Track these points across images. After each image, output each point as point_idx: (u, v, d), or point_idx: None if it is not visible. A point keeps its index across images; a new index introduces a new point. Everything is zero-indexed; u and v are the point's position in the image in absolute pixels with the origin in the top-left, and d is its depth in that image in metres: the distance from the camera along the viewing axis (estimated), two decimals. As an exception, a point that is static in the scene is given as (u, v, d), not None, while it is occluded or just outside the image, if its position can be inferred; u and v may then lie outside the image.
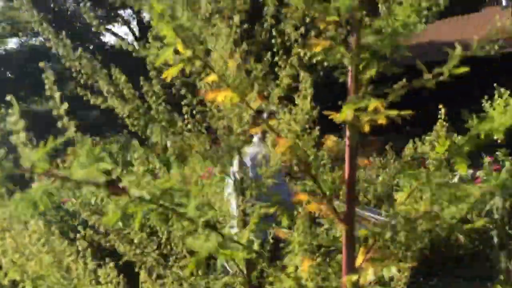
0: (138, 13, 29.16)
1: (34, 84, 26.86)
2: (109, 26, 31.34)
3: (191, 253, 2.35)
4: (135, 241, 2.52)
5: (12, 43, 32.91)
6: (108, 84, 2.82)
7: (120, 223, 3.32)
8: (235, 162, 2.78)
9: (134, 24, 31.64)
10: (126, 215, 1.18)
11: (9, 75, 29.61)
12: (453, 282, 5.45)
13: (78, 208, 4.14)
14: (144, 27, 26.46)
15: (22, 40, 32.68)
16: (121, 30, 52.16)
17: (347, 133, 1.48)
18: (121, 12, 31.38)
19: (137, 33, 30.49)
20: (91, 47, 28.59)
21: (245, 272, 2.47)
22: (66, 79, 24.21)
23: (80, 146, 1.27)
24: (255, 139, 3.88)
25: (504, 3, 17.16)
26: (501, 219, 5.66)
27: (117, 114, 2.89)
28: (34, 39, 31.93)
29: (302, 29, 2.24)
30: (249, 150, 3.01)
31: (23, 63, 28.95)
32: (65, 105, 1.57)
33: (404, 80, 1.54)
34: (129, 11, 30.65)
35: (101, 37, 31.19)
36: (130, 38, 33.40)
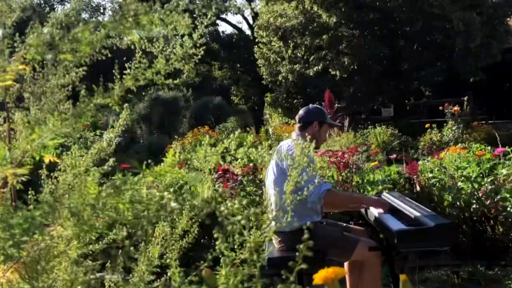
0: (250, 1, 29.88)
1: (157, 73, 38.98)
2: (224, 15, 31.16)
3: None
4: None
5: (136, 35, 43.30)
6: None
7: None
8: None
9: (247, 13, 30.77)
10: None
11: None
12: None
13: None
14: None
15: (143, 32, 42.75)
16: (235, 18, 48.28)
17: None
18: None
19: (250, 21, 29.76)
20: (207, 36, 30.88)
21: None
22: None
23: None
24: (293, 133, 3.82)
25: None
26: None
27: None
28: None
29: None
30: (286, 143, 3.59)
31: (145, 52, 39.79)
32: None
33: None
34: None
35: (217, 26, 31.70)
36: (245, 26, 35.34)
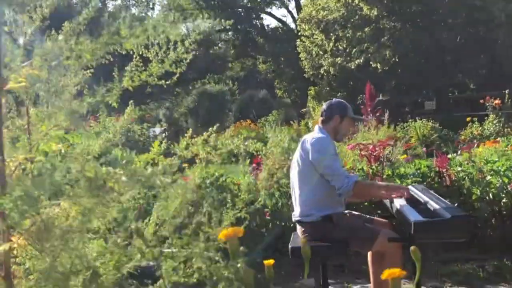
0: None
1: (203, 67, 30.64)
2: (268, 9, 32.23)
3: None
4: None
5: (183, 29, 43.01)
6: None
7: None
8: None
9: (292, 6, 31.72)
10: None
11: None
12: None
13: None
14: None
15: (189, 26, 43.49)
16: (280, 12, 48.73)
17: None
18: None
19: (295, 15, 29.60)
20: (252, 30, 31.70)
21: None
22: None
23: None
24: (316, 126, 3.84)
25: None
26: None
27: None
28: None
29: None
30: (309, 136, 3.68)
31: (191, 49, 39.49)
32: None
33: None
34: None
35: (262, 20, 32.19)
36: (289, 20, 34.14)
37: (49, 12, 1.17)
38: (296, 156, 3.70)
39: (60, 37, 1.07)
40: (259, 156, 6.04)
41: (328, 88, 19.04)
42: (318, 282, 3.70)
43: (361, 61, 16.09)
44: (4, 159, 1.13)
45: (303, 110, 22.94)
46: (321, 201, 3.58)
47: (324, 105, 3.84)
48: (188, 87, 32.04)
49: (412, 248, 1.46)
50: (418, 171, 5.15)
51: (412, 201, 3.61)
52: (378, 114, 10.92)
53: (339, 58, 16.98)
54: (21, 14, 1.12)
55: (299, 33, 19.73)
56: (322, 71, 18.10)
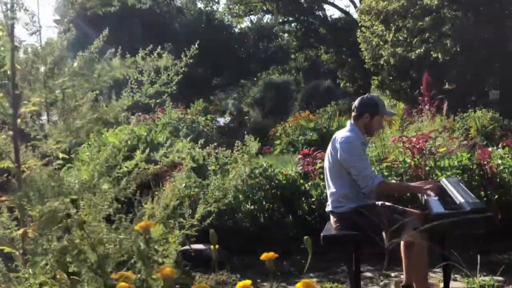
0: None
1: (264, 59, 30.85)
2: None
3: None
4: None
5: (247, 23, 33.88)
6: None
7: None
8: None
9: None
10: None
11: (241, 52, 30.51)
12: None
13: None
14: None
15: (253, 19, 33.74)
16: (343, 2, 45.89)
17: None
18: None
19: (358, 5, 27.70)
20: (315, 21, 31.38)
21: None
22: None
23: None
24: (348, 122, 3.96)
25: None
26: None
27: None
28: (262, 17, 33.56)
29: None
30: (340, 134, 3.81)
31: (254, 41, 31.20)
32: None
33: None
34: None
35: (325, 11, 31.86)
36: (352, 10, 33.54)
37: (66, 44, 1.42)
38: (328, 152, 3.89)
39: (75, 63, 1.32)
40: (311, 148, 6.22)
41: (391, 78, 18.81)
42: (350, 268, 3.88)
43: (422, 51, 15.78)
44: (20, 165, 1.40)
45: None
46: (351, 194, 3.76)
47: (356, 101, 3.97)
48: (253, 78, 32.48)
49: (305, 238, 1.65)
50: (460, 163, 5.15)
51: (441, 194, 3.70)
52: (435, 104, 10.79)
53: (399, 48, 16.73)
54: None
55: (360, 24, 19.54)
56: (382, 62, 17.90)
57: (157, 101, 1.90)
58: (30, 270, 1.24)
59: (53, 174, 1.36)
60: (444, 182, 4.03)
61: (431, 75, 11.56)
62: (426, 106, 10.69)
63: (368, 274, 4.67)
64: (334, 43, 29.55)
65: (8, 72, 1.34)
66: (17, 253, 1.34)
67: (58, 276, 1.21)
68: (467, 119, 11.48)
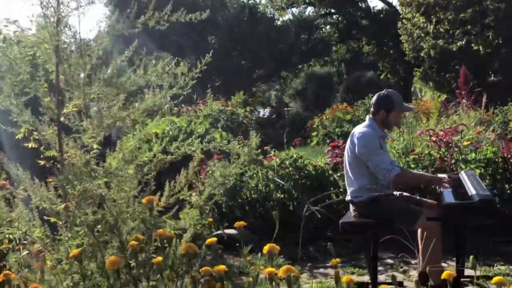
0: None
1: (305, 51, 31.06)
2: None
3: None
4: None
5: (289, 15, 33.58)
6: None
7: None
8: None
9: None
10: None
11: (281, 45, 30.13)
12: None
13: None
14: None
15: (295, 12, 33.60)
16: None
17: None
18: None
19: None
20: (357, 13, 31.42)
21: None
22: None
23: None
24: (367, 116, 4.12)
25: None
26: None
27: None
28: (304, 9, 33.20)
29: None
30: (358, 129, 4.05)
31: (295, 33, 31.02)
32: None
33: None
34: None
35: (367, 2, 31.37)
36: (395, 1, 30.84)
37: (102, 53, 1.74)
38: (347, 146, 4.13)
39: (109, 70, 1.64)
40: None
41: (433, 69, 18.66)
42: (368, 254, 4.13)
43: (463, 43, 15.60)
44: (63, 153, 1.73)
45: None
46: (369, 185, 3.98)
47: (374, 98, 4.17)
48: (294, 70, 32.59)
49: (274, 212, 1.91)
50: (484, 157, 5.28)
51: (456, 186, 3.89)
52: (473, 97, 10.77)
53: (440, 40, 16.59)
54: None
55: (401, 16, 19.40)
56: (422, 54, 17.78)
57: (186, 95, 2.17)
58: (69, 234, 1.58)
59: (87, 161, 1.69)
60: (462, 174, 4.19)
61: (473, 67, 11.49)
62: (463, 99, 10.71)
63: (389, 260, 4.89)
64: (376, 35, 29.30)
65: (54, 81, 1.67)
66: (60, 222, 1.67)
67: (90, 240, 1.53)
68: (506, 112, 11.37)
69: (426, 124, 9.02)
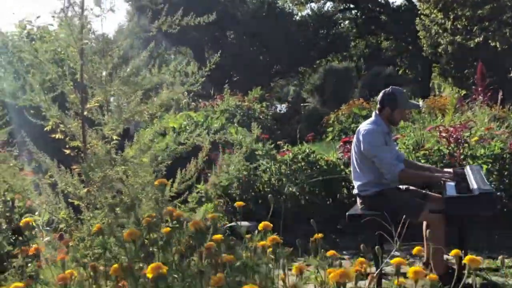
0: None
1: (323, 46, 31.21)
2: None
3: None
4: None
5: (308, 10, 33.70)
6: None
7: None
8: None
9: None
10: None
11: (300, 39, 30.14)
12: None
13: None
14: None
15: (314, 7, 33.56)
16: None
17: None
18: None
19: None
20: (376, 8, 31.39)
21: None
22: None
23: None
24: (373, 113, 4.27)
25: None
26: None
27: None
28: (323, 5, 33.24)
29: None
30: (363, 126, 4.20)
31: (314, 28, 31.36)
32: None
33: None
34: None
35: None
36: None
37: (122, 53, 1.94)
38: (354, 142, 4.29)
39: (128, 69, 1.85)
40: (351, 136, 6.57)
41: (452, 65, 18.62)
42: (374, 245, 4.26)
43: (481, 39, 15.56)
44: (86, 143, 1.94)
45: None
46: (375, 180, 4.14)
47: (380, 94, 4.32)
48: (312, 65, 32.65)
49: (269, 196, 2.09)
50: (492, 152, 5.40)
51: (460, 180, 4.03)
52: (489, 93, 10.82)
53: (458, 37, 16.56)
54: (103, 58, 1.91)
55: (419, 12, 19.36)
56: (440, 50, 17.75)
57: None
58: (91, 215, 1.79)
59: (107, 150, 1.90)
60: (467, 169, 4.33)
61: (490, 64, 11.48)
62: (479, 96, 10.80)
63: (397, 253, 5.02)
64: (395, 31, 29.22)
65: (78, 80, 1.88)
66: (83, 205, 1.88)
67: (109, 220, 1.74)
68: (522, 108, 11.35)
69: (442, 120, 9.14)
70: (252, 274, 1.68)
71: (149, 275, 1.41)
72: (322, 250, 2.05)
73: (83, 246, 1.71)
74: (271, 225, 1.97)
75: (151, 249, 1.62)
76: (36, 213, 2.67)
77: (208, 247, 1.67)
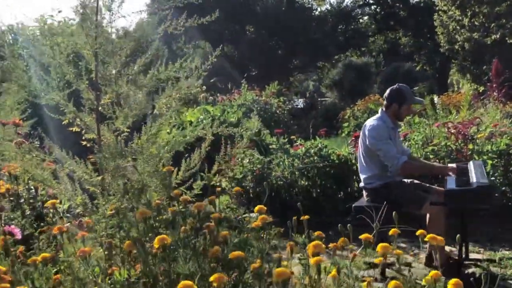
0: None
1: (341, 41, 31.69)
2: None
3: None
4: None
5: (327, 5, 34.20)
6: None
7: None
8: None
9: None
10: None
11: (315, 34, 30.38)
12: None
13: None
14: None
15: (333, 2, 33.87)
16: None
17: None
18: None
19: None
20: (396, 3, 31.29)
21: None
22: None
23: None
24: (380, 109, 4.48)
25: None
26: None
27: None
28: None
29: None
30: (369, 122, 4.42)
31: (332, 23, 31.87)
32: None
33: None
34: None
35: None
36: None
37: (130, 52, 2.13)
38: (361, 137, 4.45)
39: (136, 68, 2.04)
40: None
41: (469, 62, 18.55)
42: (379, 237, 4.43)
43: (498, 36, 15.48)
44: (100, 136, 2.14)
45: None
46: (380, 173, 4.31)
47: (387, 91, 4.48)
48: (331, 60, 32.66)
49: (264, 183, 2.26)
50: (497, 148, 5.49)
51: (462, 174, 4.16)
52: (504, 91, 10.82)
53: (475, 34, 16.50)
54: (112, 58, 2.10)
55: (437, 8, 19.30)
56: (457, 47, 17.70)
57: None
58: (105, 200, 1.99)
59: (118, 142, 2.10)
60: (470, 164, 4.46)
61: (507, 61, 11.46)
62: (494, 92, 10.80)
63: (403, 245, 5.17)
64: (414, 26, 29.08)
65: (94, 79, 2.07)
66: (97, 191, 2.08)
67: (121, 205, 1.94)
68: (536, 106, 11.30)
69: (456, 117, 9.19)
70: (247, 249, 1.86)
71: (156, 245, 1.62)
72: (310, 230, 2.18)
73: (99, 227, 1.91)
74: (265, 208, 2.13)
75: (160, 230, 1.81)
76: (57, 201, 2.88)
77: (208, 226, 1.86)
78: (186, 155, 2.46)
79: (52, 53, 2.07)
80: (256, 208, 2.18)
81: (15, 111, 4.16)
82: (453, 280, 1.65)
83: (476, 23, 16.57)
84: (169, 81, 2.22)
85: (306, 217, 2.20)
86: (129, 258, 1.74)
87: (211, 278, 1.53)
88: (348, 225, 2.72)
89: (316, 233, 2.12)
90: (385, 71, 29.88)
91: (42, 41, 2.30)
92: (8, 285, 1.51)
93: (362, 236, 2.14)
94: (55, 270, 1.77)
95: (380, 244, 2.00)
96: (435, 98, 13.40)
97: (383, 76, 28.17)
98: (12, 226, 1.97)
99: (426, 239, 1.98)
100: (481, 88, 16.50)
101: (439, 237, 3.55)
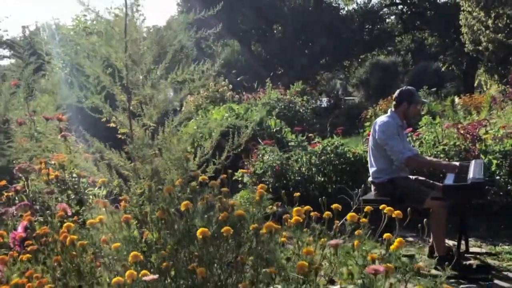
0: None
1: (367, 41, 31.63)
2: None
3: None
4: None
5: (354, 4, 34.19)
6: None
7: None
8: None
9: None
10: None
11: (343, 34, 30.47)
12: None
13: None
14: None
15: (360, 1, 34.14)
16: None
17: None
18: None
19: None
20: (423, 3, 31.20)
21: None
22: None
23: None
24: (389, 109, 4.84)
25: None
26: None
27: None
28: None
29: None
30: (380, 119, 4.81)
31: (359, 22, 32.23)
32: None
33: None
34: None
35: None
36: None
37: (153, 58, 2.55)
38: (371, 133, 4.82)
39: (158, 72, 2.47)
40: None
41: (492, 63, 18.53)
42: (385, 230, 4.76)
43: (522, 38, 15.51)
44: (131, 130, 2.57)
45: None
46: (387, 168, 4.65)
47: (396, 92, 4.86)
48: (357, 59, 32.72)
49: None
50: (503, 149, 5.75)
51: (462, 171, 4.47)
52: (518, 91, 10.91)
53: (500, 35, 16.53)
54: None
55: (462, 8, 19.30)
56: (481, 48, 17.72)
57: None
58: (136, 181, 2.43)
59: (145, 135, 2.53)
60: (471, 163, 4.76)
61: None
62: (515, 93, 10.89)
63: (410, 238, 5.48)
64: (441, 26, 28.93)
65: (125, 84, 2.50)
66: (130, 175, 2.51)
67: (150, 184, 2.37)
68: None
69: (477, 118, 9.35)
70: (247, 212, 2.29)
71: (182, 208, 2.13)
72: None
73: (132, 202, 2.36)
74: (265, 192, 2.49)
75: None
76: (96, 188, 3.34)
77: (220, 198, 2.30)
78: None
79: (90, 62, 2.50)
80: (259, 186, 2.53)
81: (56, 110, 4.64)
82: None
83: (500, 24, 16.61)
84: (186, 82, 2.62)
85: (307, 207, 2.48)
86: (159, 224, 2.21)
87: (222, 230, 2.06)
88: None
89: (306, 207, 2.44)
90: (413, 70, 29.85)
91: (78, 41, 2.73)
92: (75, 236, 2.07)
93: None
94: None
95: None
96: (456, 99, 13.55)
97: (411, 75, 28.12)
98: (64, 204, 2.44)
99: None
100: (509, 89, 16.40)
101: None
